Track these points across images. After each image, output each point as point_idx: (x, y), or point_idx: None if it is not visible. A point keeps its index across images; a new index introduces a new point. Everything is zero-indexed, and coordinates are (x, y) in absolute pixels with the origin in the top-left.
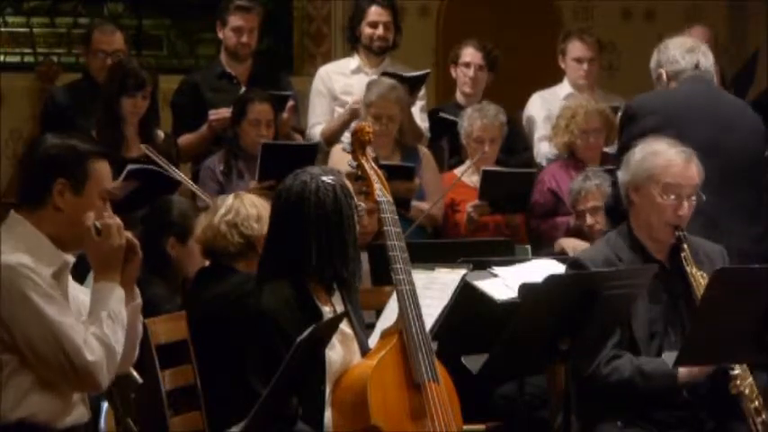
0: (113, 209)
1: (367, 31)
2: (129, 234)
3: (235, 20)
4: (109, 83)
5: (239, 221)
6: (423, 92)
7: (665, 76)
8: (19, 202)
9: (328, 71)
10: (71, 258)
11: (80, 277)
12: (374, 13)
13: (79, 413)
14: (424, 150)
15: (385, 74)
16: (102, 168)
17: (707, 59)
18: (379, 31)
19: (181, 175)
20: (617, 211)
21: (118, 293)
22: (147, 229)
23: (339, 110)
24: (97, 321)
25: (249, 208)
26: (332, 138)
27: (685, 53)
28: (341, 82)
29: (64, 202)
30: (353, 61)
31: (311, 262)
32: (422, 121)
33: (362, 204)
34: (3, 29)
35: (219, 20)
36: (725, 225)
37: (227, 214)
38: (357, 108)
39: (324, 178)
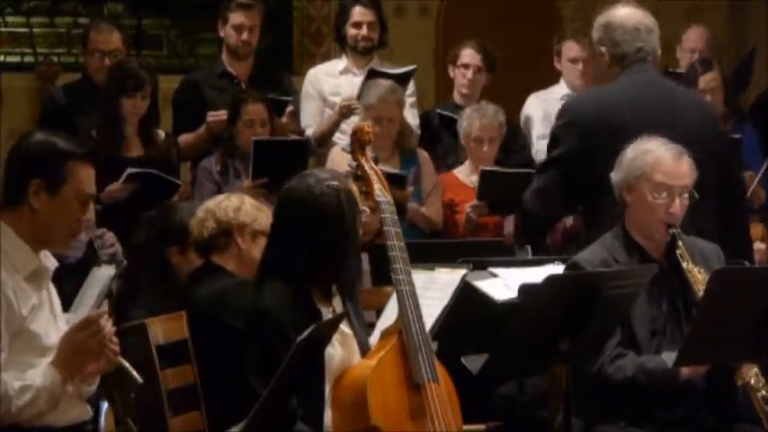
0: (114, 210)
1: (351, 31)
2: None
3: (236, 17)
4: (108, 83)
5: (215, 207)
6: (412, 89)
7: (607, 57)
8: (2, 202)
9: (317, 73)
10: (51, 264)
11: (78, 278)
12: (357, 13)
13: (78, 411)
14: (422, 153)
15: (371, 72)
16: (82, 171)
17: (650, 36)
18: (363, 31)
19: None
20: None
21: (57, 385)
22: (149, 233)
23: (329, 111)
24: (21, 380)
25: (233, 199)
26: (323, 139)
27: (627, 34)
28: (330, 83)
29: (39, 202)
30: (341, 62)
31: (309, 265)
32: (412, 118)
33: (366, 210)
34: (3, 29)
35: (221, 18)
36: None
37: (210, 203)
38: (346, 106)
39: (329, 183)
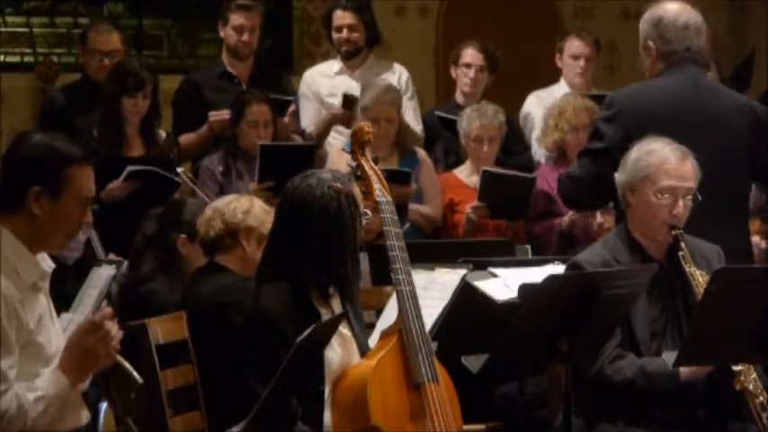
0: (114, 208)
1: (335, 36)
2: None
3: (236, 18)
4: (109, 83)
5: (224, 207)
6: (412, 91)
7: (654, 52)
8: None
9: (312, 74)
10: (48, 267)
11: (78, 278)
12: (338, 17)
13: (79, 416)
14: (422, 153)
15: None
16: (82, 174)
17: (699, 37)
18: (344, 34)
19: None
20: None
21: (66, 390)
22: (160, 224)
23: (325, 112)
24: (32, 390)
25: (242, 201)
26: (317, 140)
27: (677, 32)
28: (326, 84)
29: (40, 208)
30: (337, 63)
31: (308, 266)
32: (415, 120)
33: (369, 212)
34: (3, 29)
35: (221, 18)
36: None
37: (219, 203)
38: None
39: (331, 184)
